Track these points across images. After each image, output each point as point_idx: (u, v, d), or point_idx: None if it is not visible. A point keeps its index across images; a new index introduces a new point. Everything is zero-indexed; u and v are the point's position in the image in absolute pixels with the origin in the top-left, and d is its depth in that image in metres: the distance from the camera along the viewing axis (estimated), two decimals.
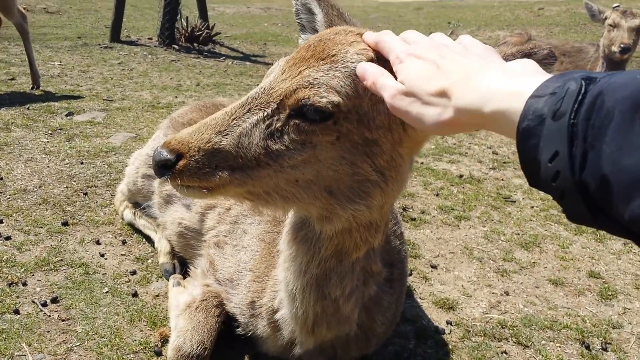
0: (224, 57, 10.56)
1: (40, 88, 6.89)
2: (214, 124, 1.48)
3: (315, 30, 1.81)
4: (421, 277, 3.32)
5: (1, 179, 3.96)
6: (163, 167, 1.45)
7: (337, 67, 1.44)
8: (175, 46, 10.87)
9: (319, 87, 1.41)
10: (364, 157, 1.48)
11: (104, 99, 6.60)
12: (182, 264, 3.09)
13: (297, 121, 1.43)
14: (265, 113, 1.46)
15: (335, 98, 1.40)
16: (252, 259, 2.39)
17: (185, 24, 11.11)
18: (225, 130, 1.47)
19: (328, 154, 1.46)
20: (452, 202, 4.40)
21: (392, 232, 2.26)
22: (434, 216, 4.12)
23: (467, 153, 5.78)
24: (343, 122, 1.43)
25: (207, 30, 11.21)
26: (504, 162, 5.61)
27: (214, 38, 11.31)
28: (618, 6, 6.98)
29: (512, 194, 4.77)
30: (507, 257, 3.64)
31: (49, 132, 5.07)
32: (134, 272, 3.09)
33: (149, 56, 9.97)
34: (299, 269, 1.79)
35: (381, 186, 1.53)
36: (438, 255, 3.59)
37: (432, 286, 3.25)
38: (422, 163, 5.29)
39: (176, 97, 7.12)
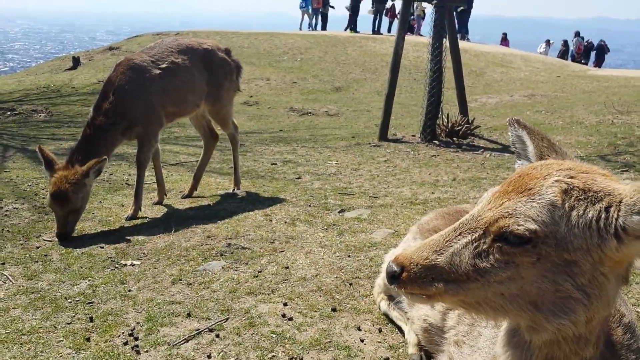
0: (482, 150, 10.88)
1: (318, 186, 8.15)
2: (432, 244, 1.89)
3: (528, 159, 2.11)
4: None
5: (287, 267, 4.90)
6: (392, 277, 1.90)
7: (533, 198, 1.74)
8: (435, 141, 11.62)
9: (517, 217, 1.72)
10: (565, 276, 1.69)
11: (370, 196, 7.50)
12: (428, 357, 3.43)
13: (500, 244, 1.75)
14: (473, 237, 1.82)
15: (532, 226, 1.69)
16: None
17: (446, 120, 11.85)
18: (440, 249, 1.86)
19: (530, 272, 1.72)
20: None
21: (625, 346, 2.27)
22: None
23: None
24: (541, 246, 1.69)
25: (466, 125, 11.75)
26: None
27: (473, 131, 11.77)
28: None
29: None
30: None
31: (325, 227, 6.03)
32: (387, 359, 3.54)
33: (412, 152, 10.86)
34: None
35: (584, 303, 1.69)
36: None
37: None
38: None
39: (433, 193, 7.66)
